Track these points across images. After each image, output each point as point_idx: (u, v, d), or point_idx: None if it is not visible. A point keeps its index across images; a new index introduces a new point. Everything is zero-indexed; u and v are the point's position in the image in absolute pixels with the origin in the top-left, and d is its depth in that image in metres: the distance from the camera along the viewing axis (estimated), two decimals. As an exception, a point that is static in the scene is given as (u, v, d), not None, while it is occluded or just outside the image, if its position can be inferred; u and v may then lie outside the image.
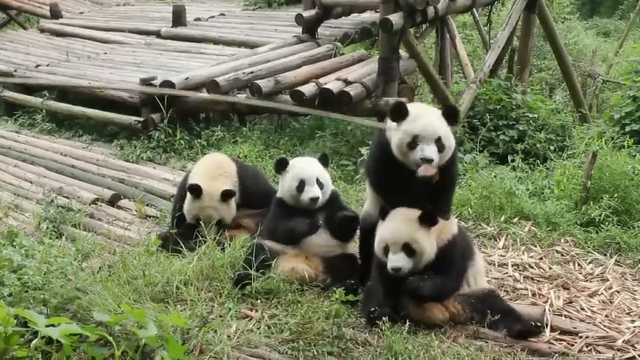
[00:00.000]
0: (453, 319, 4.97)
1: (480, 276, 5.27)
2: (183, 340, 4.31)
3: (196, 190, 6.21)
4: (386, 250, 4.94)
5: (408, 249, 4.86)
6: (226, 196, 6.26)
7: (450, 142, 4.95)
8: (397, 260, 4.86)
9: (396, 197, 5.06)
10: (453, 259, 5.01)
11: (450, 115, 5.02)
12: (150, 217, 7.71)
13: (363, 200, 7.29)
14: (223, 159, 6.77)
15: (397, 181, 5.01)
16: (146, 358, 3.68)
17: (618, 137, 9.02)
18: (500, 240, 6.54)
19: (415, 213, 4.94)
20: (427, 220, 4.91)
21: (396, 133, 4.92)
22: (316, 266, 5.45)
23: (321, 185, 5.60)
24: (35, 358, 3.40)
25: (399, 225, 4.92)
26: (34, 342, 3.40)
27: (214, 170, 6.45)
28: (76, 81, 11.91)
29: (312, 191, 5.54)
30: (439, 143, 4.87)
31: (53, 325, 3.19)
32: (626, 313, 5.41)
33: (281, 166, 5.74)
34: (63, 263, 5.29)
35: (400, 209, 5.03)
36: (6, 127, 11.39)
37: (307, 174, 5.57)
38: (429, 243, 4.90)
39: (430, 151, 4.81)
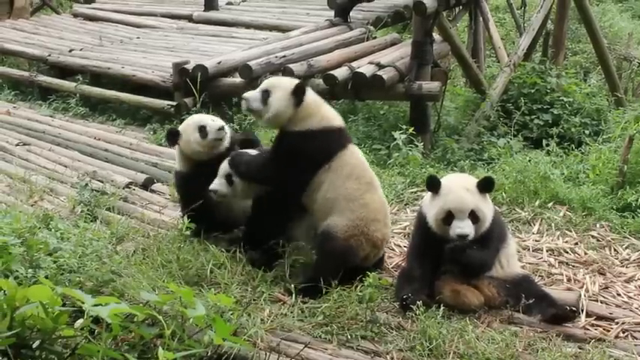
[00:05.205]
0: (488, 303, 4.97)
1: (512, 259, 5.26)
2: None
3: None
4: (446, 219, 4.91)
5: (474, 216, 4.86)
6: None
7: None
8: (465, 226, 4.84)
9: None
10: (493, 235, 5.02)
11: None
12: (183, 200, 7.72)
13: (395, 184, 7.27)
14: None
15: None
16: (190, 338, 3.68)
17: (655, 121, 8.88)
18: (534, 225, 6.50)
19: (468, 181, 5.01)
20: (486, 187, 4.96)
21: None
22: None
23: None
24: (83, 336, 3.41)
25: (463, 193, 4.90)
26: (79, 321, 3.42)
27: None
28: (109, 65, 11.98)
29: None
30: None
31: (100, 305, 3.20)
32: (663, 300, 5.35)
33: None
34: (97, 246, 5.34)
35: (452, 179, 5.13)
36: (40, 112, 11.47)
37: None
38: (489, 211, 4.94)
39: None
